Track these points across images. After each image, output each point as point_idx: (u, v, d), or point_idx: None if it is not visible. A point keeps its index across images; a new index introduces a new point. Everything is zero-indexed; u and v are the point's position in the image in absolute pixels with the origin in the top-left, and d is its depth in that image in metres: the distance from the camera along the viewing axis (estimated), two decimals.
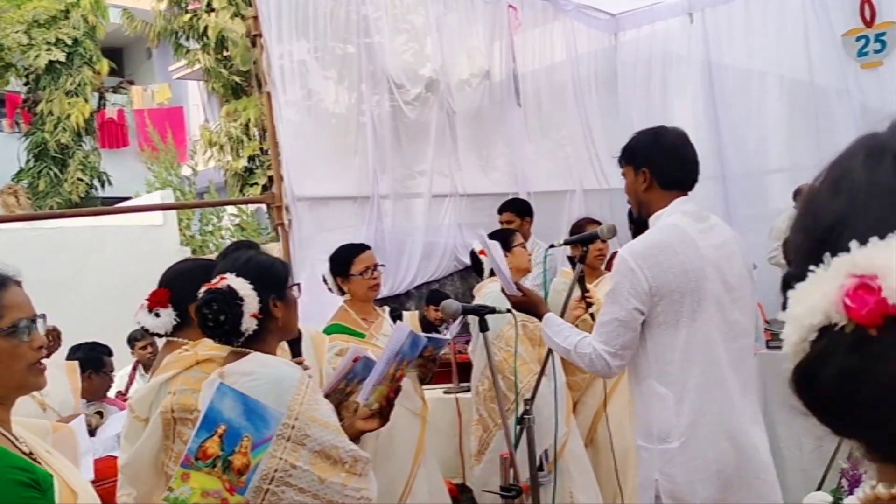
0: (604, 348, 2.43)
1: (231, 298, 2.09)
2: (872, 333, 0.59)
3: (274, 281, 2.19)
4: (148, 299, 2.51)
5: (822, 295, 0.61)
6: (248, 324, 2.10)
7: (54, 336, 4.50)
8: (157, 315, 2.49)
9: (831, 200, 0.66)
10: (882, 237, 0.60)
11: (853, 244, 0.61)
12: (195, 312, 2.16)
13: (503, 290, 2.75)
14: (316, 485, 2.00)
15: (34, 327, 1.62)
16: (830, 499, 2.60)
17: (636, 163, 2.57)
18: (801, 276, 0.64)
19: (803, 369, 0.64)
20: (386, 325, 3.66)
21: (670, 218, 2.50)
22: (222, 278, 2.13)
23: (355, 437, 2.21)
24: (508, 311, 2.78)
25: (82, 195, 15.01)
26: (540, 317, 2.66)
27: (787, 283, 0.66)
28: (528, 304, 2.72)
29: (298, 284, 2.31)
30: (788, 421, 4.59)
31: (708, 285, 2.40)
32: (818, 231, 0.66)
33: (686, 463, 2.38)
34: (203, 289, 2.15)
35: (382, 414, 2.29)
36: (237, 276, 2.12)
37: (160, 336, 2.54)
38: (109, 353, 4.86)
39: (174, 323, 2.49)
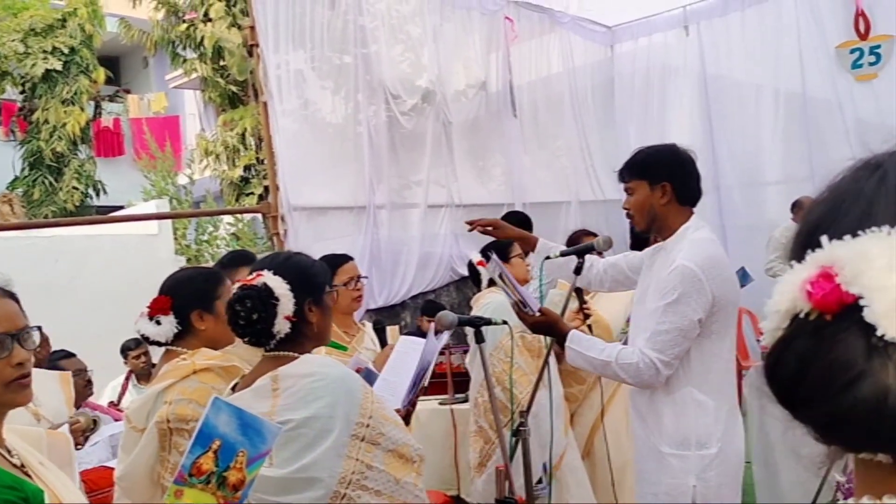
0: (658, 357, 2.43)
1: (266, 297, 1.99)
2: (828, 319, 0.64)
3: (313, 284, 2.09)
4: (149, 307, 2.47)
5: (791, 284, 0.66)
6: (281, 326, 2.00)
7: (42, 342, 4.44)
8: (158, 323, 2.44)
9: (818, 205, 0.72)
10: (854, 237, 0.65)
11: (824, 239, 0.66)
12: (227, 308, 2.06)
13: (519, 312, 2.69)
14: (392, 485, 1.95)
15: (13, 343, 1.52)
16: None
17: (654, 177, 2.57)
18: None
19: (771, 353, 0.68)
20: (367, 339, 3.62)
21: (700, 233, 2.55)
22: (259, 275, 2.03)
23: None
24: (504, 322, 2.76)
25: (77, 204, 14.96)
26: (563, 335, 2.60)
27: None
28: (548, 325, 2.66)
29: (336, 289, 2.25)
30: (784, 433, 4.58)
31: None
32: (803, 232, 0.71)
33: (719, 467, 2.46)
34: (237, 285, 2.06)
35: (407, 420, 2.29)
36: (275, 274, 2.03)
37: (160, 345, 2.50)
38: (69, 355, 4.72)
39: (175, 331, 2.44)
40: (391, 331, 3.78)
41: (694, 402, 2.46)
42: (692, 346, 2.46)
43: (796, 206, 6.66)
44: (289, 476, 1.87)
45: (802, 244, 0.69)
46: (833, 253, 0.65)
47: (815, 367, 0.65)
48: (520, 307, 2.66)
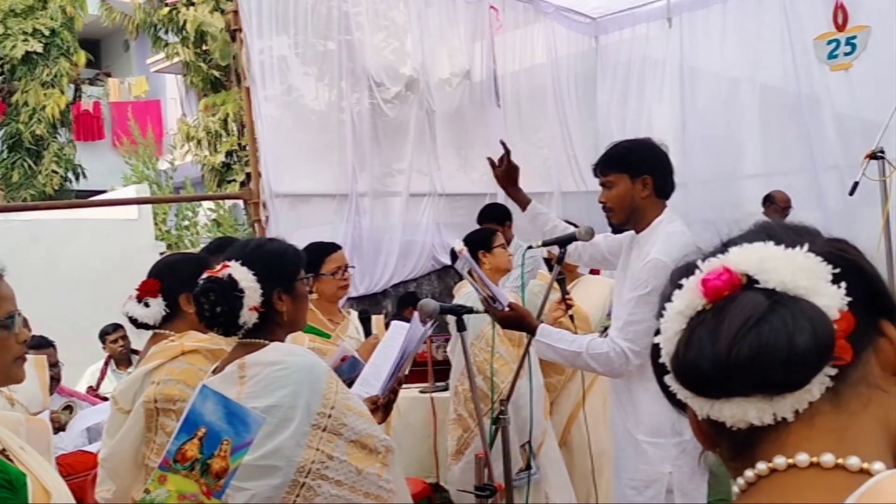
0: (629, 346, 2.47)
1: (230, 289, 1.98)
2: (723, 300, 0.74)
3: (282, 273, 2.08)
4: (138, 289, 2.46)
5: (685, 293, 0.78)
6: (248, 317, 1.99)
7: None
8: (147, 305, 2.44)
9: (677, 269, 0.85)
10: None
11: (699, 262, 0.80)
12: (193, 300, 2.06)
13: (489, 308, 2.71)
14: (353, 476, 1.94)
15: (19, 320, 1.59)
16: None
17: (634, 171, 2.58)
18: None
19: (676, 351, 0.76)
20: (351, 328, 3.62)
21: (673, 225, 2.56)
22: (225, 266, 2.02)
23: None
24: (488, 312, 2.77)
25: (56, 187, 14.84)
26: (532, 330, 2.62)
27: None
28: (517, 319, 2.68)
29: (309, 276, 2.23)
30: None
31: None
32: (673, 282, 0.82)
33: (692, 453, 2.49)
34: (204, 275, 2.05)
35: (388, 409, 2.27)
36: (242, 265, 2.01)
37: (148, 327, 2.50)
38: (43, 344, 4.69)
39: (163, 314, 2.44)
40: (376, 320, 3.79)
41: None
42: None
43: (768, 201, 6.69)
44: (248, 463, 1.85)
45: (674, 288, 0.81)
46: (713, 262, 0.78)
47: (721, 330, 0.73)
48: (489, 303, 2.67)
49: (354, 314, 3.67)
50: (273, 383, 1.93)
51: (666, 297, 0.81)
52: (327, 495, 1.90)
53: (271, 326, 2.06)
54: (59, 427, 4.13)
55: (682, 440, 2.48)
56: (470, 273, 2.69)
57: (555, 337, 2.58)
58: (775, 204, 6.61)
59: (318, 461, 1.91)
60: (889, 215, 3.56)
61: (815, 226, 0.85)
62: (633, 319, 2.48)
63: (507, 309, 2.65)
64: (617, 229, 3.69)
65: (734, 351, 0.71)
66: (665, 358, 0.78)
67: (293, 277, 2.12)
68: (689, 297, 0.77)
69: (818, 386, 0.72)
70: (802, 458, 0.72)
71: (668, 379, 0.78)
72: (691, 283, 0.77)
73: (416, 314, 2.73)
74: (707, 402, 0.75)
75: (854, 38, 6.43)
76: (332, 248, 3.62)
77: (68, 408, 4.50)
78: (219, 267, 2.04)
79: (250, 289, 1.99)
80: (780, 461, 0.73)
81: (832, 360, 0.72)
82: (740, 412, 0.73)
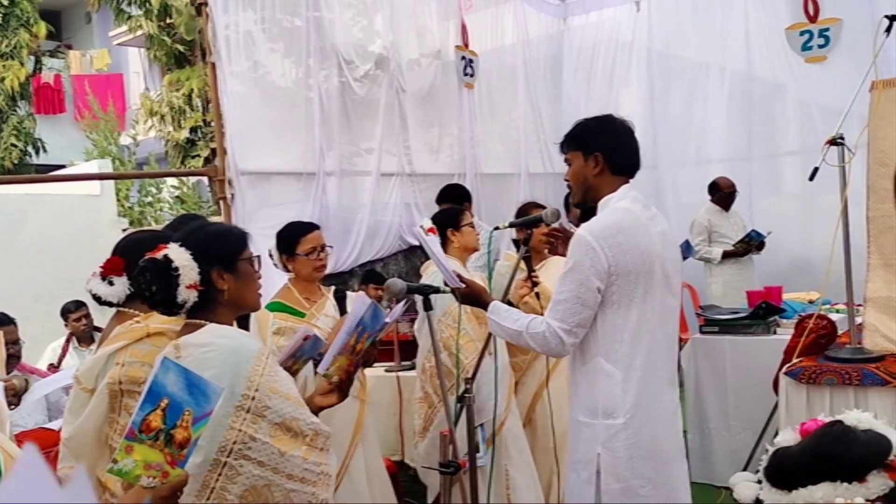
0: (559, 325, 2.45)
1: (164, 268, 2.02)
2: None
3: (222, 252, 2.12)
4: (102, 267, 2.44)
5: (786, 431, 0.95)
6: (186, 295, 2.03)
7: None
8: (111, 283, 2.42)
9: None
10: None
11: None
12: (133, 280, 2.10)
13: (445, 283, 2.74)
14: (276, 458, 1.97)
15: None
16: (756, 478, 2.70)
17: (586, 148, 2.59)
18: None
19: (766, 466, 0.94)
20: (329, 305, 3.62)
21: (621, 203, 2.55)
22: (162, 247, 2.06)
23: (313, 413, 2.20)
24: (453, 290, 2.79)
25: (16, 161, 14.57)
26: (485, 306, 2.65)
27: None
28: (473, 295, 2.72)
29: (258, 257, 2.24)
30: (718, 403, 4.74)
31: (655, 269, 2.48)
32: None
33: (628, 439, 2.45)
34: (145, 257, 2.08)
35: (342, 389, 2.28)
36: (180, 245, 2.06)
37: (112, 305, 2.48)
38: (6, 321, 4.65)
39: (128, 292, 2.42)
40: (353, 296, 3.80)
41: (602, 372, 2.48)
42: (598, 316, 2.47)
43: (713, 188, 6.78)
44: None
45: None
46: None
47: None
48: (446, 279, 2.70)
49: (332, 291, 3.68)
50: (201, 364, 1.95)
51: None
52: (250, 475, 1.94)
53: (213, 305, 2.10)
54: (14, 394, 4.08)
55: (614, 423, 2.45)
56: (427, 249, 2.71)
57: (503, 314, 2.60)
58: (721, 190, 6.71)
59: (239, 441, 1.95)
60: (847, 200, 3.63)
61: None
62: (560, 298, 2.48)
63: (461, 286, 2.69)
64: (577, 207, 3.71)
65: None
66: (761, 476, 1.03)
67: (234, 257, 2.14)
68: (789, 435, 0.95)
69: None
70: None
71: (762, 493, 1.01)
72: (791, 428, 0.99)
73: (361, 293, 2.74)
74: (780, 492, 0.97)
75: (827, 30, 6.52)
76: (309, 228, 3.63)
77: (25, 382, 4.44)
78: (156, 248, 2.07)
79: (185, 267, 2.03)
80: None
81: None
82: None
